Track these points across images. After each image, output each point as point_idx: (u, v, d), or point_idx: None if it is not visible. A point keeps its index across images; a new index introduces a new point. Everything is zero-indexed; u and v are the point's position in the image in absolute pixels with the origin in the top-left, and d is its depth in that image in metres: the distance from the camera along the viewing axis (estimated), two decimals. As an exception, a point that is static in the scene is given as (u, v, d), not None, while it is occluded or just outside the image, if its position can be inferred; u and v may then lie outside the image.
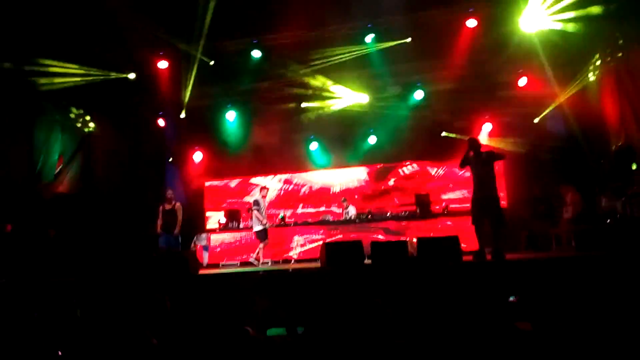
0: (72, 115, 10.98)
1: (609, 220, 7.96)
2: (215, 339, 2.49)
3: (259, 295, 4.28)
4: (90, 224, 10.09)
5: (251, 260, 9.60)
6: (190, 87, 10.90)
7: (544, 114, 10.55)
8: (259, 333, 3.27)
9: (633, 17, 7.97)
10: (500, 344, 3.53)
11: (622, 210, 7.76)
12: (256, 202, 9.59)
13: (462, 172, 7.14)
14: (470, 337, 4.14)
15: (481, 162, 6.88)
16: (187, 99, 11.11)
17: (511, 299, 4.48)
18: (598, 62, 9.58)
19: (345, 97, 11.37)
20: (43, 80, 9.50)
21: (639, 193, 7.78)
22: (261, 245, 9.49)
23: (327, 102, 11.53)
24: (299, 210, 12.17)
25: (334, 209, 11.89)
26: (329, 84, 11.04)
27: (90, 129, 11.33)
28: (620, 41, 8.82)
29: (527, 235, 9.08)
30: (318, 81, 10.99)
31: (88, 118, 11.26)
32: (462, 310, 5.47)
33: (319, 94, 11.37)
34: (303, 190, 12.40)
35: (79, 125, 11.14)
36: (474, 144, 6.99)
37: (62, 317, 4.19)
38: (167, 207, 8.89)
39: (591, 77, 9.72)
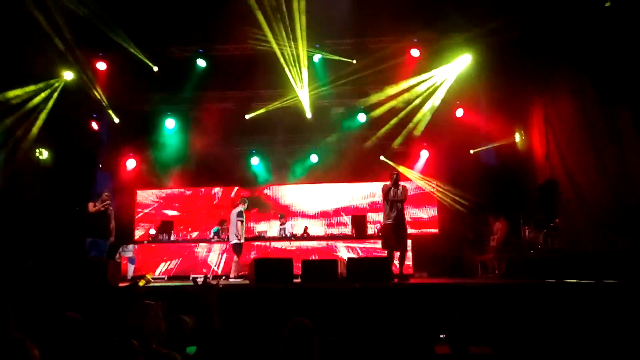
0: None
1: (532, 251, 8.32)
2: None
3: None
4: (12, 230, 9.29)
5: (231, 279, 8.99)
6: (128, 92, 10.59)
7: (480, 149, 10.99)
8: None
9: (558, 60, 8.47)
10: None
11: (544, 241, 8.12)
12: (240, 214, 9.12)
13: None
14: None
15: (398, 193, 7.66)
16: (123, 103, 10.76)
17: (442, 336, 4.45)
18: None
19: (289, 111, 11.25)
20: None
21: (559, 227, 8.19)
22: (236, 259, 9.06)
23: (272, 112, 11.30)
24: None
25: (271, 224, 11.70)
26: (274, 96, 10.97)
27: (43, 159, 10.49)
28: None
29: (452, 261, 9.36)
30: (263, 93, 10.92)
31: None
32: (386, 333, 5.46)
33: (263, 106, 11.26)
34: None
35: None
36: (398, 177, 7.78)
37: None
38: (102, 208, 8.27)
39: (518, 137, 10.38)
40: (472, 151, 11.13)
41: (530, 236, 8.47)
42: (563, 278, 6.59)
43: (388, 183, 7.71)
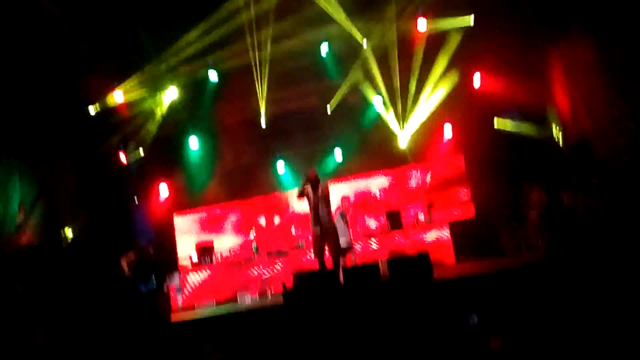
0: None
1: (574, 216, 8.08)
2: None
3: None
4: (58, 275, 9.72)
5: None
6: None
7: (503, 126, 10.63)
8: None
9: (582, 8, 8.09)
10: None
11: (585, 204, 7.89)
12: (343, 215, 8.80)
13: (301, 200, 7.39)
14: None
15: (318, 194, 7.15)
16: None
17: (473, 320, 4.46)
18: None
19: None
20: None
21: (597, 185, 7.92)
22: (353, 257, 8.74)
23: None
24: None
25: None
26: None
27: None
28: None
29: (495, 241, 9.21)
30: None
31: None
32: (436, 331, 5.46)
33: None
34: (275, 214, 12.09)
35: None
36: (311, 177, 7.20)
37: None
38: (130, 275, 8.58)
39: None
40: (496, 125, 10.72)
41: (570, 201, 8.23)
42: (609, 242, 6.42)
43: (304, 183, 7.14)
